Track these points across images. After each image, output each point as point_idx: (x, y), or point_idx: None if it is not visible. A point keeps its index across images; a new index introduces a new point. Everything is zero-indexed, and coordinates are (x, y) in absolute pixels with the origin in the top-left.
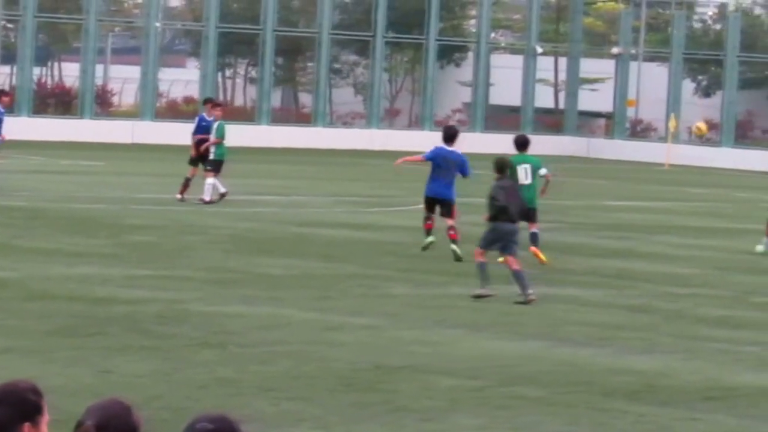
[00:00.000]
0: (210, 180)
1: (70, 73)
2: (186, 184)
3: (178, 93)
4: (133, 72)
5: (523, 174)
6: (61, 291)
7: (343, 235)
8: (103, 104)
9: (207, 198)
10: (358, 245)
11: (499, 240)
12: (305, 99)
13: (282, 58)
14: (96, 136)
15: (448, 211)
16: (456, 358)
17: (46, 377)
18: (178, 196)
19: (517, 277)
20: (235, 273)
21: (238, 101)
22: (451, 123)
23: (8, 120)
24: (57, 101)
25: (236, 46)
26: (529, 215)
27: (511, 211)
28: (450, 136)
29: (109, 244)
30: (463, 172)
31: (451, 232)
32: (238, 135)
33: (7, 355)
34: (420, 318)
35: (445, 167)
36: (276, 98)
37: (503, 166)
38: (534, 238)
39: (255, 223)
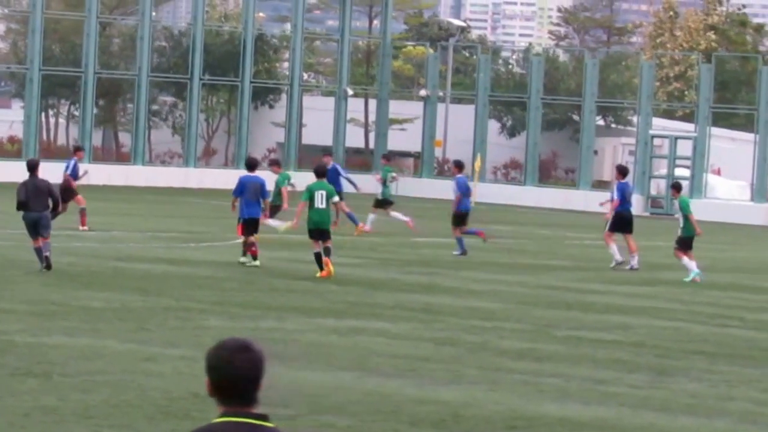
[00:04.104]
0: None
1: None
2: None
3: (2, 133)
4: None
5: (319, 199)
6: None
7: (160, 270)
8: None
9: None
10: (174, 279)
11: (31, 226)
12: (125, 138)
13: (103, 100)
14: None
15: (255, 228)
16: (267, 387)
17: None
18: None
19: (40, 251)
20: (57, 305)
21: (61, 141)
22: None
23: None
24: None
25: (59, 88)
26: (323, 234)
27: (30, 204)
28: (251, 165)
29: None
30: (263, 195)
31: (253, 249)
32: (59, 173)
33: None
34: None
35: (251, 191)
36: (97, 138)
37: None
38: (327, 252)
39: (75, 258)
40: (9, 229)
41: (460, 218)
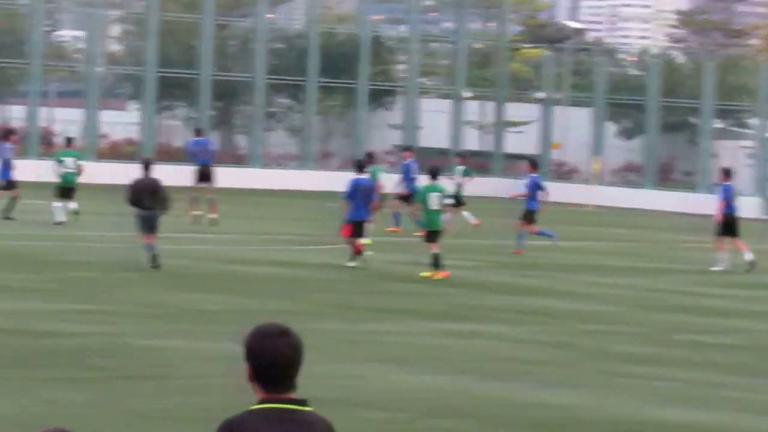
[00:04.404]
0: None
1: (16, 114)
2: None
3: (119, 135)
4: (77, 114)
5: (434, 200)
6: (8, 325)
7: (277, 273)
8: (47, 145)
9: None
10: (291, 282)
11: (143, 222)
12: (241, 141)
13: (219, 102)
14: (39, 176)
15: (361, 230)
16: (386, 391)
17: None
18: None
19: (149, 248)
20: (173, 308)
21: (177, 143)
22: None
23: None
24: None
25: (175, 89)
26: (438, 235)
27: (142, 202)
28: (360, 166)
29: (53, 280)
30: (371, 197)
31: (357, 246)
32: (176, 175)
33: None
34: (351, 352)
35: (361, 193)
36: (213, 140)
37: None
38: (436, 259)
39: (191, 261)
40: (122, 231)
41: (528, 215)
